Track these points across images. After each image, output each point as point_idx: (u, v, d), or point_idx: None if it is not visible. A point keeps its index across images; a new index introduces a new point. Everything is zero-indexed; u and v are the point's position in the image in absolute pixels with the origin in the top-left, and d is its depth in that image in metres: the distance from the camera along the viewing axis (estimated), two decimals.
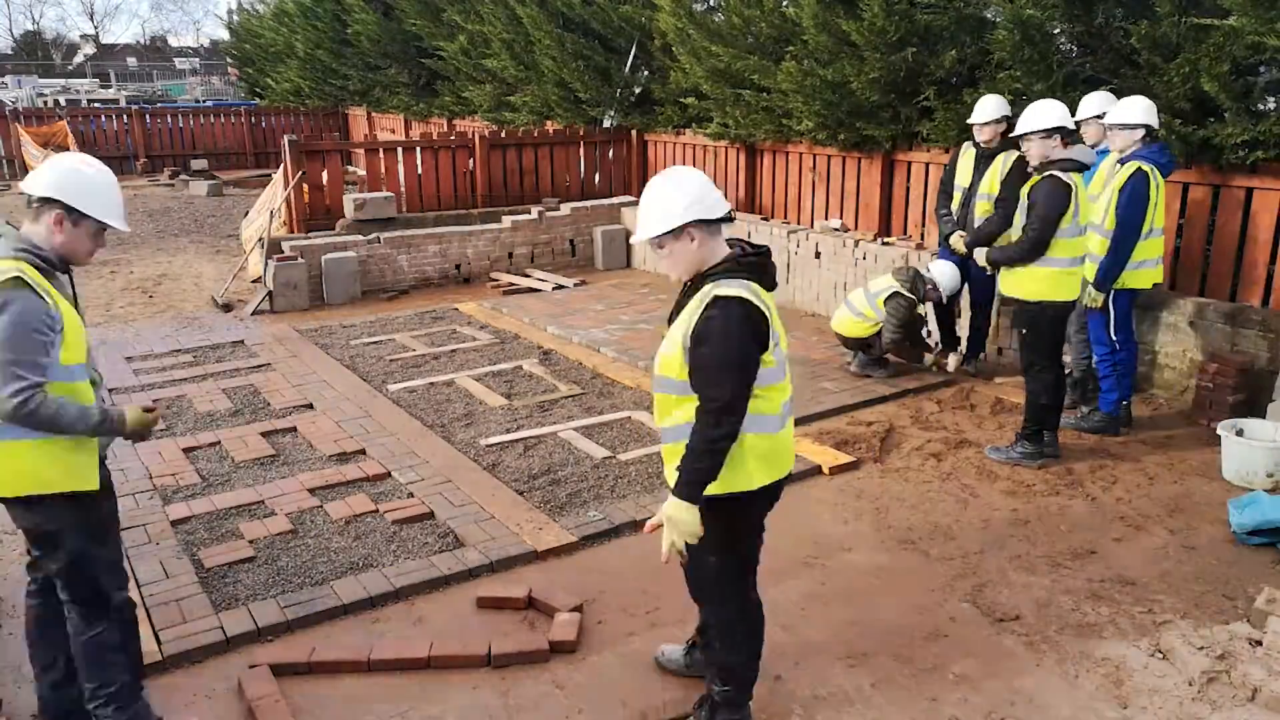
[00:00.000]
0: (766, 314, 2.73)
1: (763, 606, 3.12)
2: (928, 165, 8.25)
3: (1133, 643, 3.61)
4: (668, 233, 2.74)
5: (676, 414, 2.79)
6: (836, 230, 8.83)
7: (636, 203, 11.14)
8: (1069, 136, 5.03)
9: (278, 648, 3.60)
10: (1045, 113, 4.98)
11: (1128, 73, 6.41)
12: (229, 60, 30.69)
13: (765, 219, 9.68)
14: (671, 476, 2.78)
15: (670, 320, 2.86)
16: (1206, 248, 6.43)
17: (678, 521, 2.71)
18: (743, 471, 2.79)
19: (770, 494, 2.92)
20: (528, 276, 10.10)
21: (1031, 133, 5.00)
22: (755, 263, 2.78)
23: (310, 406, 6.16)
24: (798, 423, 5.79)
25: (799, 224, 9.53)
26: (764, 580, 4.01)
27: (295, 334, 7.91)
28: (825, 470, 5.17)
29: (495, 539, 4.36)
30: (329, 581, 4.02)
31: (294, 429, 5.77)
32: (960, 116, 7.36)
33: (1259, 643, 3.47)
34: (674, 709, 3.26)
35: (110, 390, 6.44)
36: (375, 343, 7.62)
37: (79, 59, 55.57)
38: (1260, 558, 4.24)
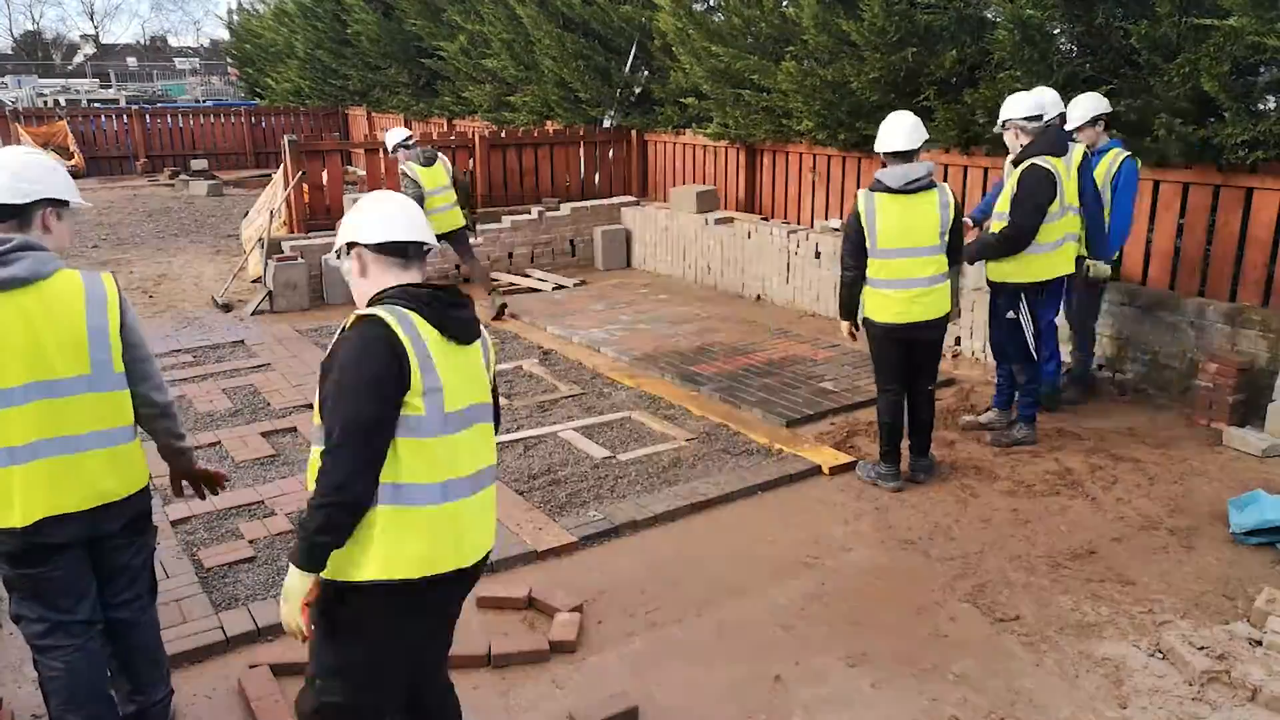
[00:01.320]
0: (406, 347, 2.22)
1: None
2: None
3: (1133, 643, 3.62)
4: (335, 251, 2.46)
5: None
6: (836, 230, 8.82)
7: (637, 203, 11.22)
8: (896, 155, 4.77)
9: (278, 648, 3.60)
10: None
11: (1128, 73, 6.42)
12: (229, 60, 30.69)
13: (765, 219, 9.68)
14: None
15: None
16: (1206, 248, 6.43)
17: (285, 590, 2.26)
18: (362, 551, 2.24)
19: (421, 592, 2.27)
20: (528, 276, 10.10)
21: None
22: (426, 294, 2.32)
23: (310, 406, 6.14)
24: (801, 423, 5.82)
25: (799, 224, 9.53)
26: (764, 580, 4.04)
27: (295, 334, 7.91)
28: (825, 470, 5.16)
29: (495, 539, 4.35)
30: None
31: (294, 429, 5.77)
32: (960, 116, 7.37)
33: (1259, 643, 3.47)
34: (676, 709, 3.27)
35: None
36: None
37: (79, 59, 55.56)
38: (1260, 558, 4.24)
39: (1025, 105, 5.36)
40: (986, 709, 3.26)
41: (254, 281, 9.83)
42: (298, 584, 2.23)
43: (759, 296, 9.22)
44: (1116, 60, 6.52)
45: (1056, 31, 6.77)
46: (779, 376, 6.67)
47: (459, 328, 2.35)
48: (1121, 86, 6.44)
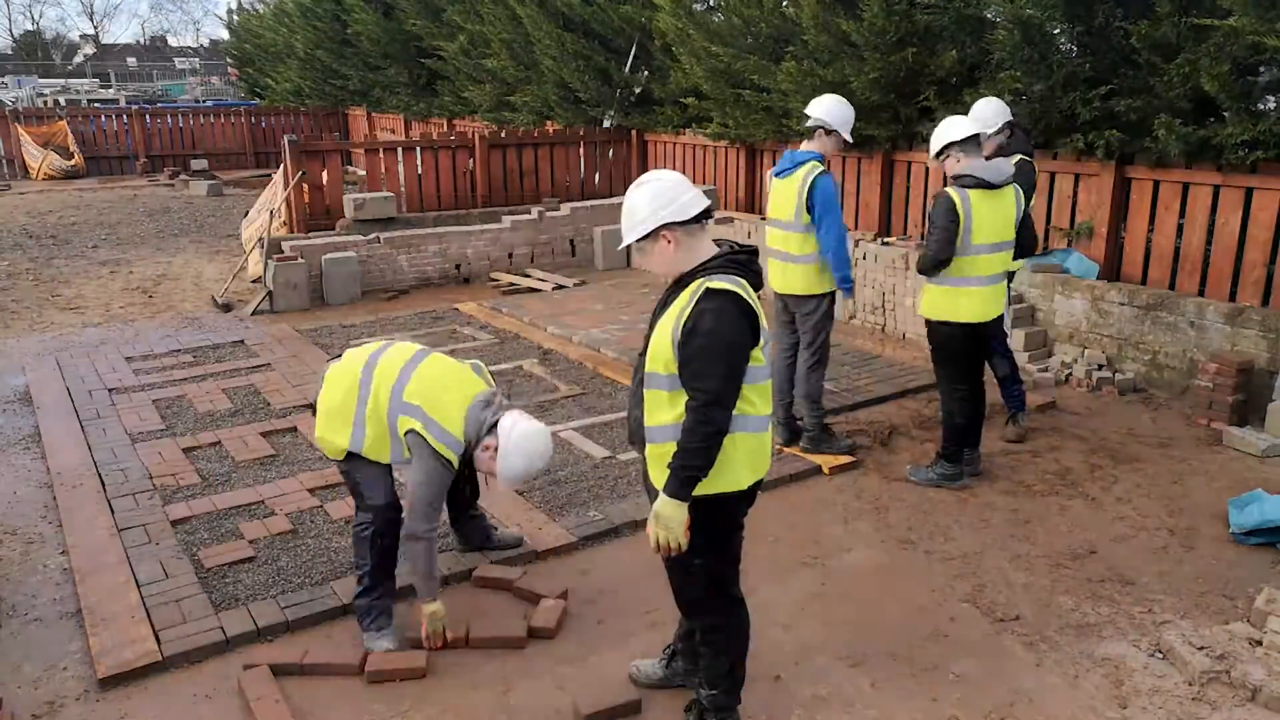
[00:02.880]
0: (756, 310, 2.74)
1: (747, 607, 3.08)
2: (927, 165, 8.25)
3: (1133, 643, 3.62)
4: (643, 238, 2.78)
5: (667, 412, 2.74)
6: None
7: None
8: (970, 150, 4.72)
9: (277, 648, 3.60)
10: (937, 134, 4.79)
11: (1128, 73, 6.42)
12: (229, 60, 30.70)
13: (765, 219, 9.67)
14: (657, 478, 2.78)
15: (654, 317, 2.85)
16: (1207, 248, 6.43)
17: (666, 519, 2.72)
18: (732, 472, 2.78)
19: (752, 495, 2.92)
20: (528, 276, 10.10)
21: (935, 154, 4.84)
22: (743, 260, 2.81)
23: (310, 406, 6.15)
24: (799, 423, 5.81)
25: None
26: (764, 580, 4.03)
27: (295, 334, 7.91)
28: (825, 470, 5.16)
29: None
30: (329, 581, 4.02)
31: (294, 429, 5.77)
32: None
33: (1259, 643, 3.47)
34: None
35: (110, 390, 6.44)
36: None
37: (79, 59, 55.59)
38: (1260, 558, 4.24)
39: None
40: (986, 709, 3.26)
41: (254, 281, 9.83)
42: (678, 512, 2.72)
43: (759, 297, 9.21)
44: (1116, 60, 6.52)
45: (1056, 31, 6.78)
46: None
47: (757, 279, 2.83)
48: (1121, 86, 6.44)
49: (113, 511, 4.64)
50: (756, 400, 2.79)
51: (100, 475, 5.07)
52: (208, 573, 4.09)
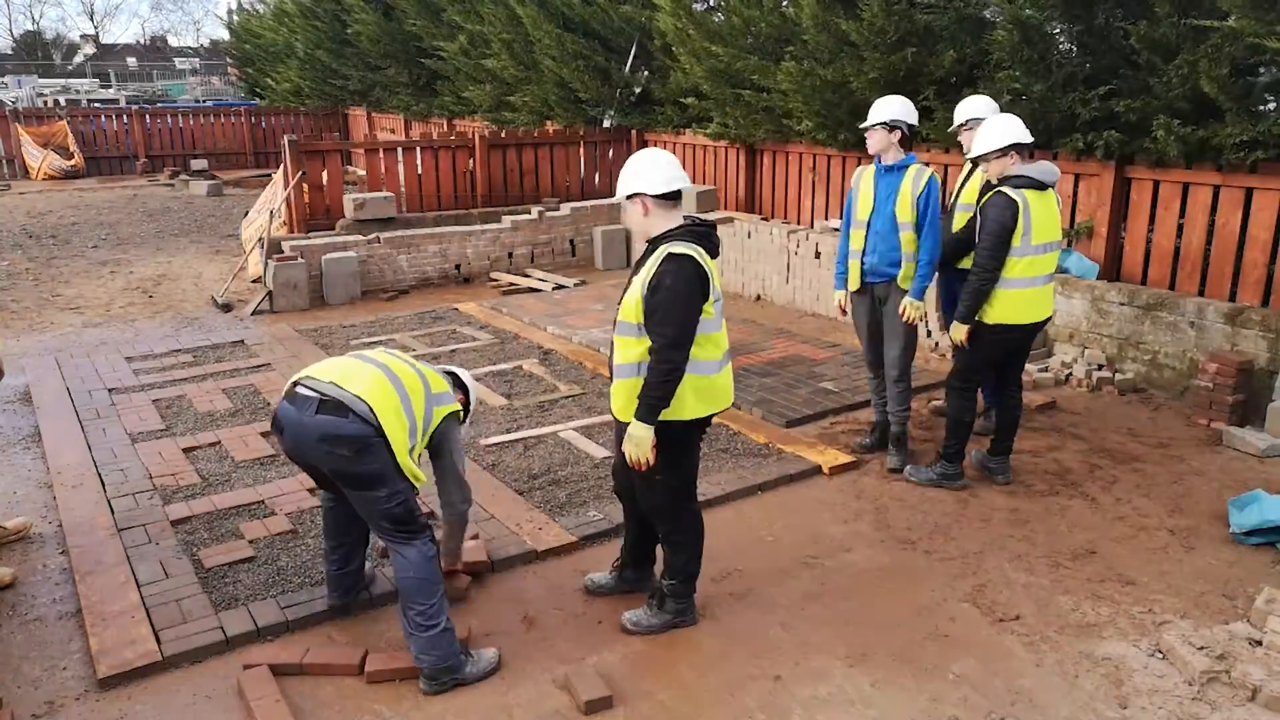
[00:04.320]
0: (708, 272, 3.32)
1: (702, 516, 3.74)
2: (927, 165, 8.25)
3: (1133, 643, 3.62)
4: (627, 198, 3.44)
5: (632, 354, 3.39)
6: (836, 230, 8.83)
7: None
8: (1024, 151, 4.71)
9: (277, 648, 3.60)
10: (1002, 131, 4.69)
11: (1128, 73, 6.42)
12: (229, 60, 30.71)
13: (765, 219, 9.68)
14: (620, 408, 3.47)
15: (631, 275, 3.43)
16: (1207, 248, 6.43)
17: (637, 438, 3.35)
18: (682, 404, 3.39)
19: (703, 424, 3.55)
20: (528, 276, 10.10)
21: (988, 153, 4.73)
22: (702, 232, 3.40)
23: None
24: (799, 423, 5.83)
25: (799, 224, 9.53)
26: (764, 580, 4.04)
27: (295, 334, 7.91)
28: (825, 470, 5.16)
29: (495, 539, 4.36)
30: None
31: None
32: None
33: (1259, 643, 3.47)
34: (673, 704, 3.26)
35: (110, 390, 6.44)
36: (375, 343, 7.62)
37: (79, 59, 55.56)
38: (1260, 558, 4.24)
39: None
40: (986, 709, 3.26)
41: (254, 281, 9.83)
42: (647, 434, 3.35)
43: (759, 296, 9.22)
44: (1116, 60, 6.52)
45: (1056, 31, 6.78)
46: (779, 376, 6.66)
47: (715, 248, 3.44)
48: (1121, 87, 6.44)
49: (113, 511, 4.65)
50: (707, 346, 3.41)
51: (100, 475, 5.07)
52: (208, 573, 4.09)
